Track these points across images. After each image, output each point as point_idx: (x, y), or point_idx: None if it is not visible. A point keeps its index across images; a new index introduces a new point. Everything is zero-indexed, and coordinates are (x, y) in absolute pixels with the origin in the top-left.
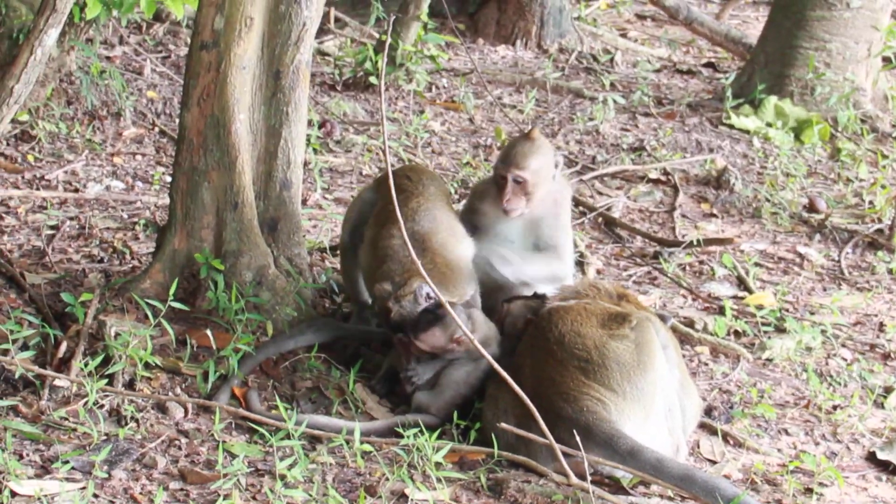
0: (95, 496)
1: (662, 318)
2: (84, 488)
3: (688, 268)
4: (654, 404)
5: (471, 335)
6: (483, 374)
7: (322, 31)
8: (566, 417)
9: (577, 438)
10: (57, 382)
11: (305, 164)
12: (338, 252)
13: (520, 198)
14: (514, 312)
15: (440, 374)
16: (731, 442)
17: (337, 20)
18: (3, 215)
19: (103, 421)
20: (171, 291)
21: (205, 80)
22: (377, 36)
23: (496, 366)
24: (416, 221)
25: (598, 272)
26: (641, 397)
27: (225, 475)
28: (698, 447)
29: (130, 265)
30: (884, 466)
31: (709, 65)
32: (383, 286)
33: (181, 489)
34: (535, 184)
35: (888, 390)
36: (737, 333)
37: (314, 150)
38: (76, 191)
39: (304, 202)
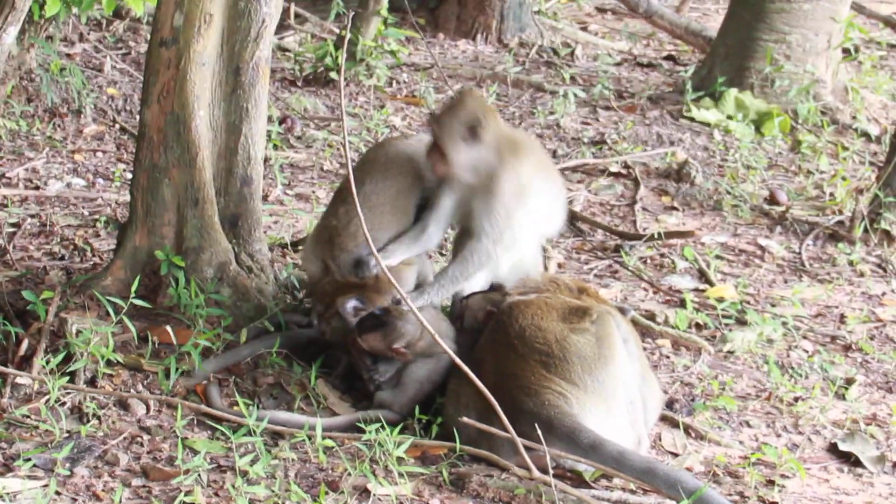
0: (58, 493)
1: (622, 311)
2: (46, 486)
3: (649, 261)
4: (615, 397)
5: (431, 330)
6: (444, 370)
7: (282, 27)
8: (528, 411)
9: (539, 432)
10: (18, 380)
11: (266, 160)
12: (299, 248)
13: (436, 156)
14: (473, 307)
15: (402, 372)
16: (693, 434)
17: (297, 16)
18: None
19: (65, 418)
20: (133, 288)
21: (164, 76)
22: (337, 31)
23: (458, 361)
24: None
25: (560, 266)
26: (602, 391)
27: (186, 471)
28: (660, 440)
29: (91, 262)
30: (845, 458)
31: (669, 58)
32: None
33: (143, 486)
34: (446, 143)
35: (849, 382)
36: (698, 326)
37: (275, 146)
38: (37, 188)
39: (264, 198)
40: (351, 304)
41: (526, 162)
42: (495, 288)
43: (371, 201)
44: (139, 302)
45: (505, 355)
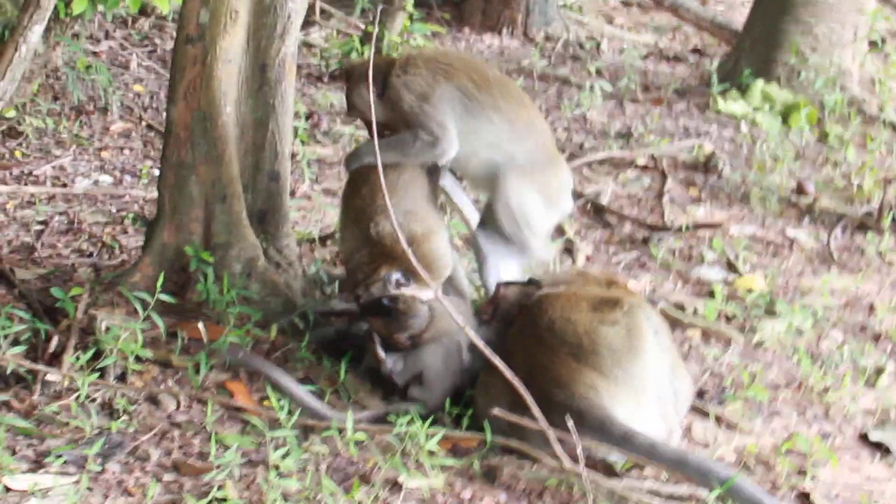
0: (89, 489)
1: (651, 302)
2: (78, 482)
3: (677, 252)
4: (645, 389)
5: (461, 322)
6: (457, 354)
7: (307, 23)
8: (558, 403)
9: (570, 424)
10: (48, 377)
11: (293, 155)
12: (328, 243)
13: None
14: (510, 298)
15: (422, 370)
16: (724, 424)
17: (322, 11)
18: None
19: (95, 415)
20: (159, 284)
21: (191, 73)
22: (363, 27)
23: (489, 353)
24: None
25: (588, 259)
26: (633, 382)
27: (218, 466)
28: (691, 431)
29: (120, 259)
30: (876, 447)
31: (695, 50)
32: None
33: (175, 481)
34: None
35: (879, 371)
36: (727, 317)
37: (302, 141)
38: (64, 186)
39: (292, 193)
40: (395, 276)
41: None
42: (533, 282)
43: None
44: (167, 298)
45: (535, 348)
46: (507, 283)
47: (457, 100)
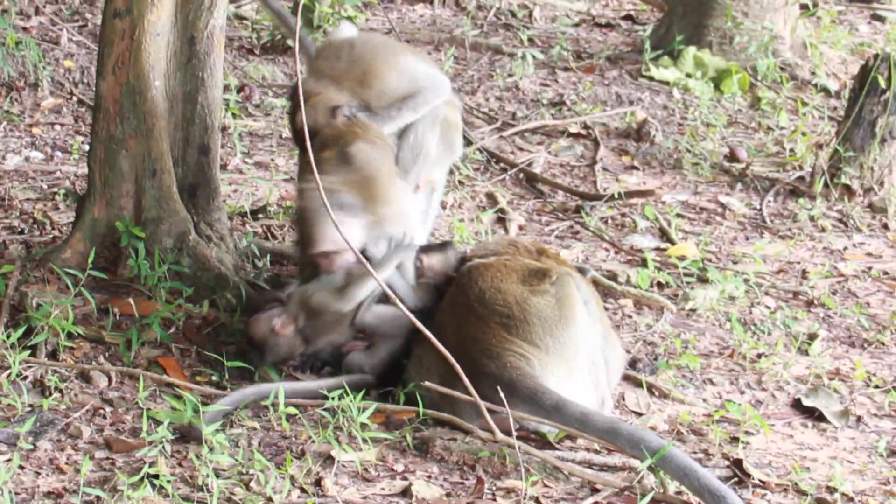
0: (21, 468)
1: (582, 271)
2: (10, 460)
3: (610, 221)
4: (577, 358)
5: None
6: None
7: None
8: (490, 374)
9: (501, 394)
10: None
11: (224, 128)
12: (259, 217)
13: None
14: (435, 268)
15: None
16: (657, 393)
17: None
18: None
19: (27, 392)
20: (90, 260)
21: (119, 48)
22: None
23: (419, 324)
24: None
25: (521, 228)
26: (564, 352)
27: (150, 443)
28: (623, 400)
29: (51, 235)
30: (809, 413)
31: (627, 17)
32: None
33: (107, 458)
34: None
35: (812, 337)
36: (660, 285)
37: (233, 114)
38: None
39: (224, 167)
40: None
41: None
42: (447, 244)
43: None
44: (98, 274)
45: (465, 318)
46: (426, 249)
47: None
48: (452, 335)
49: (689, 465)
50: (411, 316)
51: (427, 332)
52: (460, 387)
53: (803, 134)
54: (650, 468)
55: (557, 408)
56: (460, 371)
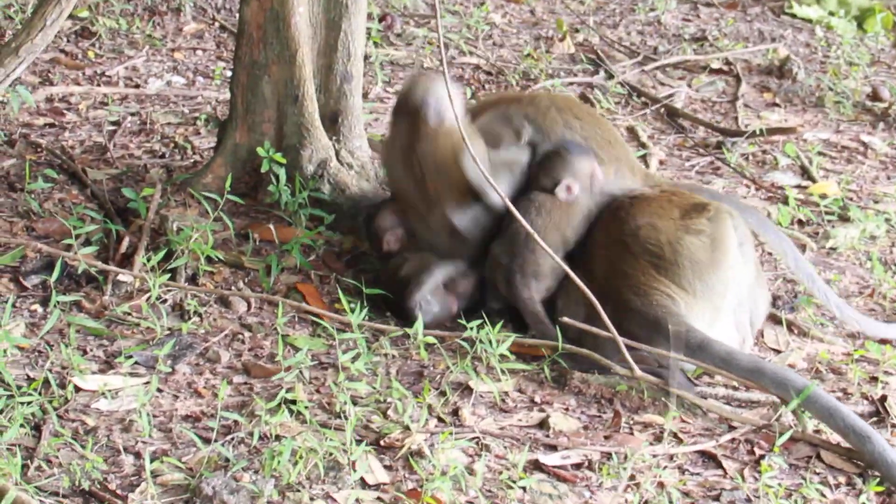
0: (159, 391)
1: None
2: (148, 383)
3: (751, 157)
4: (724, 302)
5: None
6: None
7: None
8: (636, 310)
9: (643, 332)
10: (120, 278)
11: (366, 57)
12: None
13: None
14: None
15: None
16: (796, 331)
17: None
18: (65, 112)
19: (166, 316)
20: (228, 184)
21: None
22: None
23: (565, 266)
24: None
25: (661, 163)
26: (712, 296)
27: (288, 368)
28: (762, 337)
29: (192, 160)
30: None
31: None
32: None
33: (245, 383)
34: None
35: None
36: (800, 223)
37: (375, 43)
38: (137, 87)
39: (365, 96)
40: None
41: None
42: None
43: None
44: (237, 199)
45: (617, 252)
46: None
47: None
48: (602, 266)
49: (834, 404)
50: (559, 260)
51: (573, 274)
52: (602, 324)
53: None
54: (792, 408)
55: (702, 346)
56: (600, 309)
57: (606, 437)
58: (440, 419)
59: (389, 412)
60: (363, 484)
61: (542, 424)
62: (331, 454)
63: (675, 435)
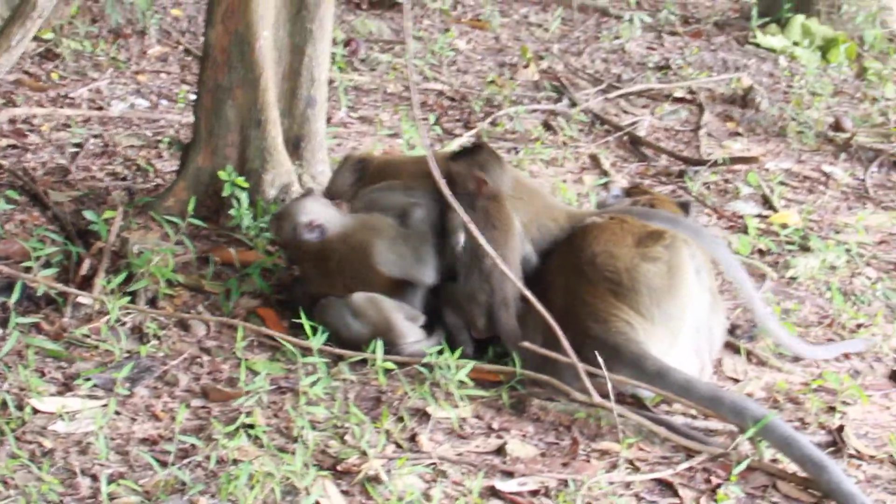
0: (117, 413)
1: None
2: (106, 405)
3: (713, 186)
4: (682, 328)
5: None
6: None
7: None
8: (595, 337)
9: (599, 358)
10: (79, 300)
11: (330, 82)
12: None
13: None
14: (462, 173)
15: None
16: (754, 360)
17: None
18: (27, 133)
19: (125, 338)
20: (191, 208)
21: None
22: None
23: (525, 290)
24: None
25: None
26: (670, 322)
27: (247, 392)
28: (721, 365)
29: (154, 183)
30: None
31: None
32: None
33: (203, 406)
34: None
35: None
36: (761, 252)
37: (339, 68)
38: (100, 109)
39: (328, 120)
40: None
41: None
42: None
43: None
44: (199, 222)
45: (576, 280)
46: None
47: None
48: (560, 294)
49: (791, 434)
50: (520, 284)
51: (531, 297)
52: (561, 349)
53: None
54: (750, 437)
55: (660, 374)
56: (560, 333)
57: (564, 465)
58: (398, 445)
59: (347, 437)
60: None
61: (500, 451)
62: (288, 479)
63: (631, 463)
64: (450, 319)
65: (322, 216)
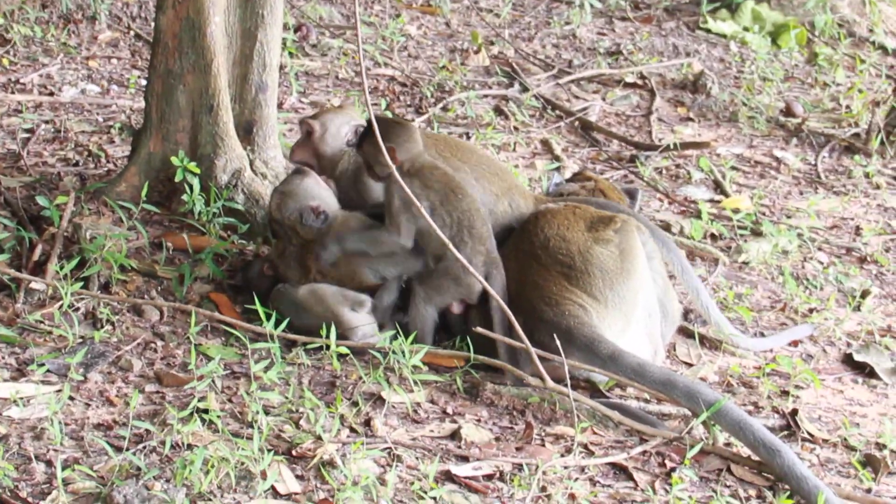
0: (71, 398)
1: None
2: (60, 391)
3: (664, 171)
4: (634, 311)
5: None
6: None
7: None
8: (547, 321)
9: (558, 342)
10: (32, 285)
11: (281, 67)
12: None
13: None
14: (371, 152)
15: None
16: (708, 345)
17: None
18: None
19: (79, 324)
20: (144, 194)
21: None
22: None
23: (481, 279)
24: None
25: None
26: (622, 305)
27: (200, 377)
28: (674, 350)
29: (106, 168)
30: (860, 369)
31: None
32: None
33: (157, 391)
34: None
35: (864, 293)
36: (713, 237)
37: (290, 53)
38: (51, 94)
39: (279, 106)
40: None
41: None
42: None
43: None
44: (151, 208)
45: (528, 264)
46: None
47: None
48: (514, 280)
49: (744, 418)
50: (476, 274)
51: (485, 284)
52: (516, 334)
53: (860, 91)
54: (703, 421)
55: (613, 358)
56: (513, 319)
57: (518, 449)
58: (352, 429)
59: (302, 422)
60: (274, 493)
61: (454, 435)
62: (242, 463)
63: (586, 447)
64: (421, 311)
65: (327, 204)
